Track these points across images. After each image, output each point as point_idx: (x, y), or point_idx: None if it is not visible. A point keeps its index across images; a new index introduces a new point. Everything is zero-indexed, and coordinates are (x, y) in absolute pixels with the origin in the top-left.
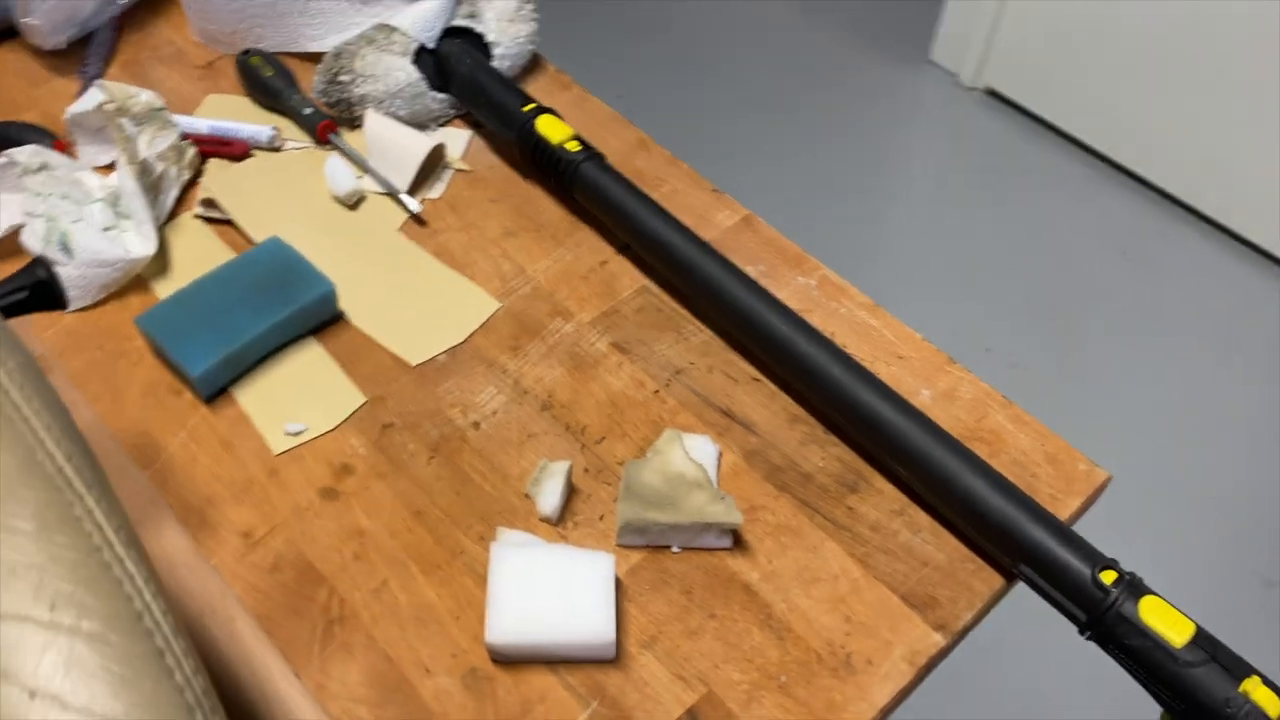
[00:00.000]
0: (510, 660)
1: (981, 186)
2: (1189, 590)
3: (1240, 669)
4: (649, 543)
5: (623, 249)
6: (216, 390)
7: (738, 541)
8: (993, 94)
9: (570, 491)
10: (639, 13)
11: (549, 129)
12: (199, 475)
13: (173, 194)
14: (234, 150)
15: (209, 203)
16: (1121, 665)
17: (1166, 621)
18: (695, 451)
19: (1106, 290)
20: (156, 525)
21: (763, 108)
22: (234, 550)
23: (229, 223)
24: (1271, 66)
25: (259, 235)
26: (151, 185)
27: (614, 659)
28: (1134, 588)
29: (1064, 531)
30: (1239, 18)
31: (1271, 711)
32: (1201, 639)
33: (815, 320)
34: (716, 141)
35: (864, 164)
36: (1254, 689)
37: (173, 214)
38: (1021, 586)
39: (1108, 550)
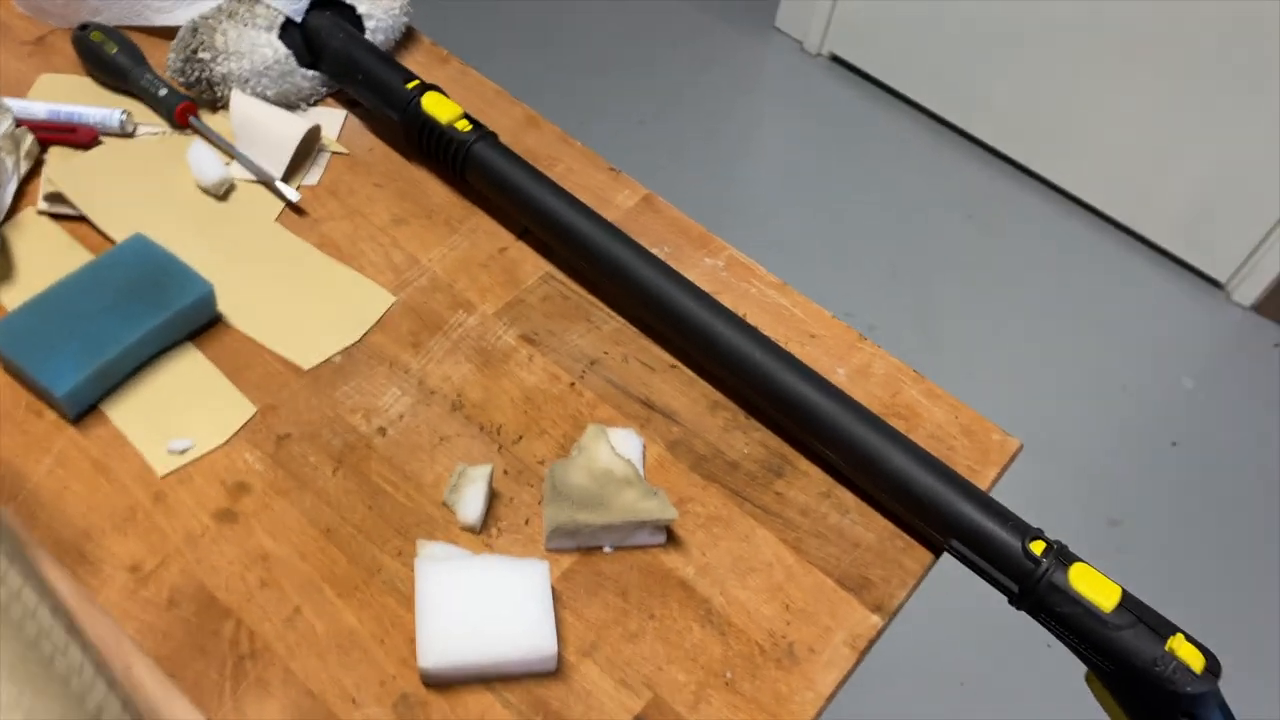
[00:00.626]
0: (445, 683)
1: (829, 153)
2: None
3: (1165, 628)
4: (580, 545)
5: (522, 234)
6: (85, 408)
7: (670, 537)
8: (837, 60)
9: (491, 497)
10: None
11: (436, 108)
12: (72, 506)
13: (10, 188)
14: (80, 137)
15: (55, 197)
16: (1051, 632)
17: (1094, 588)
18: (621, 446)
19: (954, 252)
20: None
21: (610, 73)
22: (122, 587)
23: (80, 219)
24: (1105, 34)
25: (118, 232)
26: None
27: (554, 671)
28: (1062, 556)
29: (991, 505)
30: None
31: (1195, 666)
32: (1128, 602)
33: (726, 302)
34: (563, 109)
35: (712, 131)
36: (1178, 646)
37: (12, 211)
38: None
39: None
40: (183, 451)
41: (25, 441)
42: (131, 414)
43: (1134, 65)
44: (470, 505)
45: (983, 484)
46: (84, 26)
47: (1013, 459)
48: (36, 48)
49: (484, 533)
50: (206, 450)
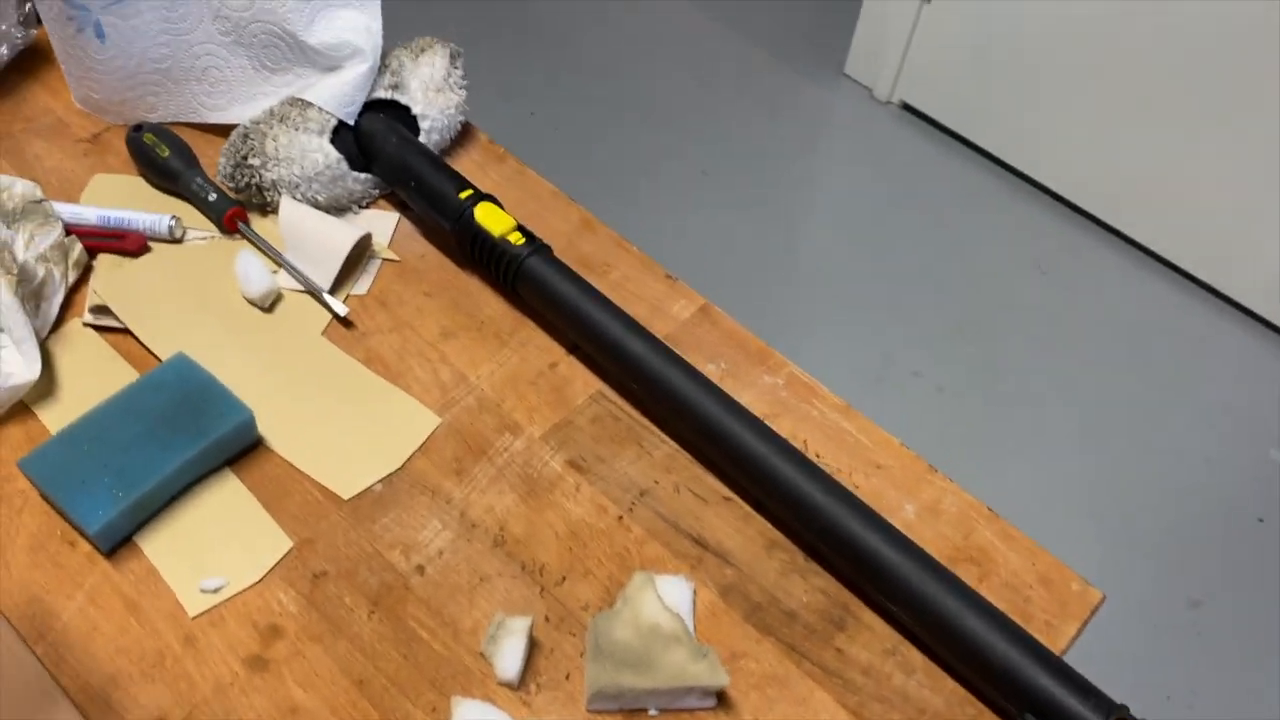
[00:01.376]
0: None
1: (897, 202)
2: (1117, 609)
3: None
4: (623, 707)
5: (573, 349)
6: (119, 541)
7: (721, 699)
8: (907, 108)
9: (531, 646)
10: (549, 25)
11: (489, 220)
12: (101, 648)
13: (57, 300)
14: (129, 244)
15: (101, 309)
16: None
17: None
18: (669, 596)
19: (1025, 308)
20: None
21: (674, 121)
22: None
23: (125, 331)
24: (1180, 86)
25: (160, 345)
26: (32, 294)
27: None
28: None
29: (1072, 677)
30: (1151, 36)
31: None
32: None
33: (785, 425)
34: (626, 157)
35: (777, 180)
36: None
37: (58, 323)
38: None
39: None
40: (215, 590)
41: (58, 575)
42: (165, 548)
43: (1219, 117)
44: (509, 660)
45: (1061, 640)
46: (139, 127)
47: (1094, 612)
48: (92, 146)
49: (522, 688)
50: (240, 589)
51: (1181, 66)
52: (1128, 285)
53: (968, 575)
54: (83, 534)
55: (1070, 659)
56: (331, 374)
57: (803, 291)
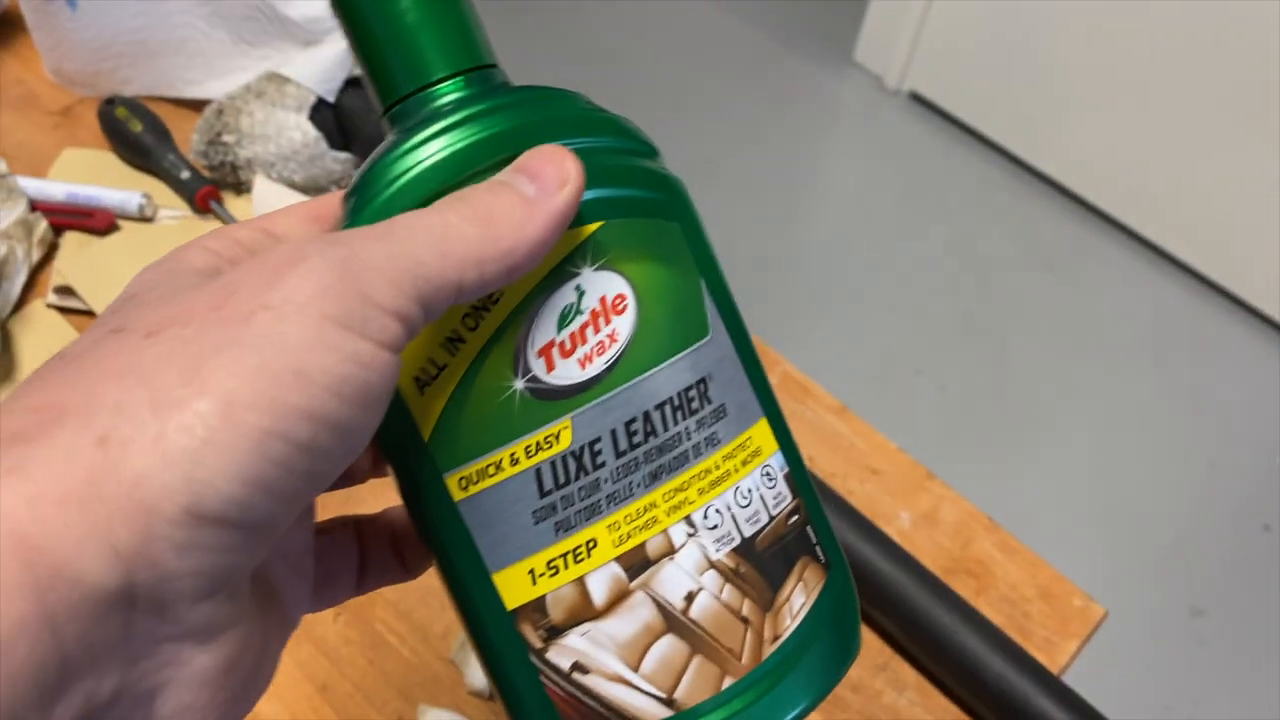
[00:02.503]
0: None
1: (903, 193)
2: (1117, 615)
3: None
4: None
5: None
6: None
7: None
8: (917, 98)
9: None
10: (553, 10)
11: None
12: None
13: (20, 280)
14: (96, 223)
15: (65, 290)
16: None
17: None
18: None
19: (1033, 306)
20: None
21: (678, 106)
22: None
23: (90, 313)
24: (1196, 83)
25: None
26: None
27: None
28: None
29: (1072, 700)
30: (1168, 31)
31: None
32: None
33: None
34: None
35: (783, 168)
36: None
37: (19, 303)
38: None
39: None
40: None
41: None
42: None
43: (1235, 116)
44: (479, 669)
45: (1061, 658)
46: (111, 100)
47: (1095, 629)
48: (63, 119)
49: (494, 698)
50: None
51: (1198, 63)
52: (1137, 284)
53: (965, 588)
54: None
55: (1070, 668)
56: None
57: (803, 283)
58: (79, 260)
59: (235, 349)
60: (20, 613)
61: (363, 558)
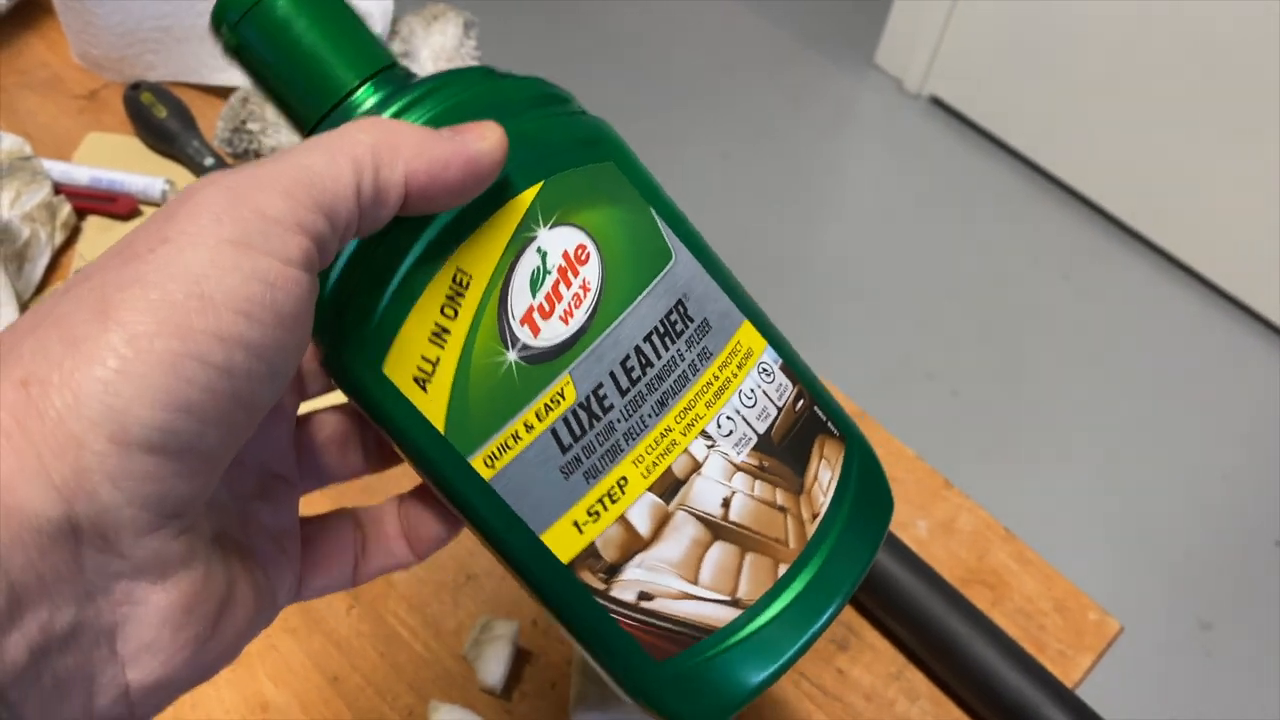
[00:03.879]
0: None
1: (921, 198)
2: (1125, 626)
3: None
4: None
5: None
6: None
7: None
8: (937, 102)
9: (516, 653)
10: (576, 5)
11: None
12: None
13: (42, 262)
14: (119, 208)
15: None
16: None
17: None
18: None
19: (1048, 314)
20: None
21: (696, 102)
22: None
23: None
24: (1218, 95)
25: None
26: (15, 254)
27: None
28: None
29: (1087, 715)
30: (1189, 42)
31: None
32: None
33: None
34: (645, 136)
35: (799, 168)
36: None
37: (41, 285)
38: None
39: None
40: None
41: None
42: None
43: (1256, 129)
44: (492, 665)
45: (1075, 672)
46: (136, 85)
47: (1111, 644)
48: (89, 103)
49: (505, 696)
50: None
51: (1219, 75)
52: (1153, 295)
53: (980, 598)
54: None
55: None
56: None
57: (817, 284)
58: (101, 244)
59: (137, 284)
60: None
61: (362, 546)
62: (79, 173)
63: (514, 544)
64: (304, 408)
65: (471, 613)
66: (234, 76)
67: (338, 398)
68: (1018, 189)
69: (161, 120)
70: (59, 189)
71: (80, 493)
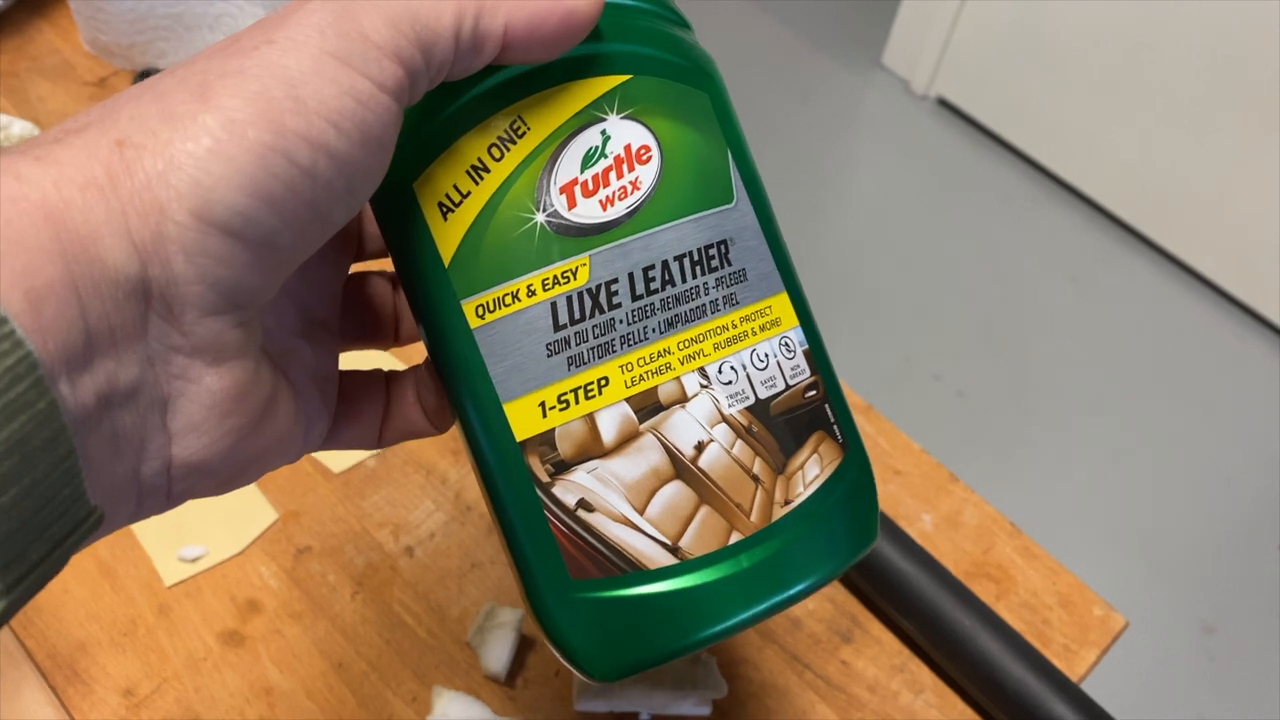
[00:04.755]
0: None
1: (929, 200)
2: (1131, 628)
3: None
4: (613, 709)
5: None
6: None
7: (717, 706)
8: (944, 104)
9: (521, 640)
10: None
11: None
12: (71, 614)
13: None
14: None
15: None
16: None
17: None
18: None
19: (1054, 316)
20: (11, 689)
21: None
22: (113, 714)
23: None
24: (1225, 97)
25: None
26: None
27: None
28: None
29: (1090, 708)
30: (1196, 44)
31: None
32: None
33: None
34: None
35: (805, 168)
36: None
37: None
38: None
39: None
40: (194, 559)
41: None
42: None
43: (1265, 130)
44: (495, 652)
45: (1080, 667)
46: (146, 73)
47: (1115, 639)
48: (98, 90)
49: (508, 683)
50: (220, 559)
51: (1227, 77)
52: (1159, 298)
53: (985, 592)
54: None
55: (1085, 683)
56: None
57: (824, 283)
58: None
59: (239, 75)
60: (49, 275)
61: (388, 408)
62: None
63: (474, 401)
64: (357, 268)
65: (476, 600)
66: None
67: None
68: (1024, 191)
69: None
70: None
71: (156, 257)
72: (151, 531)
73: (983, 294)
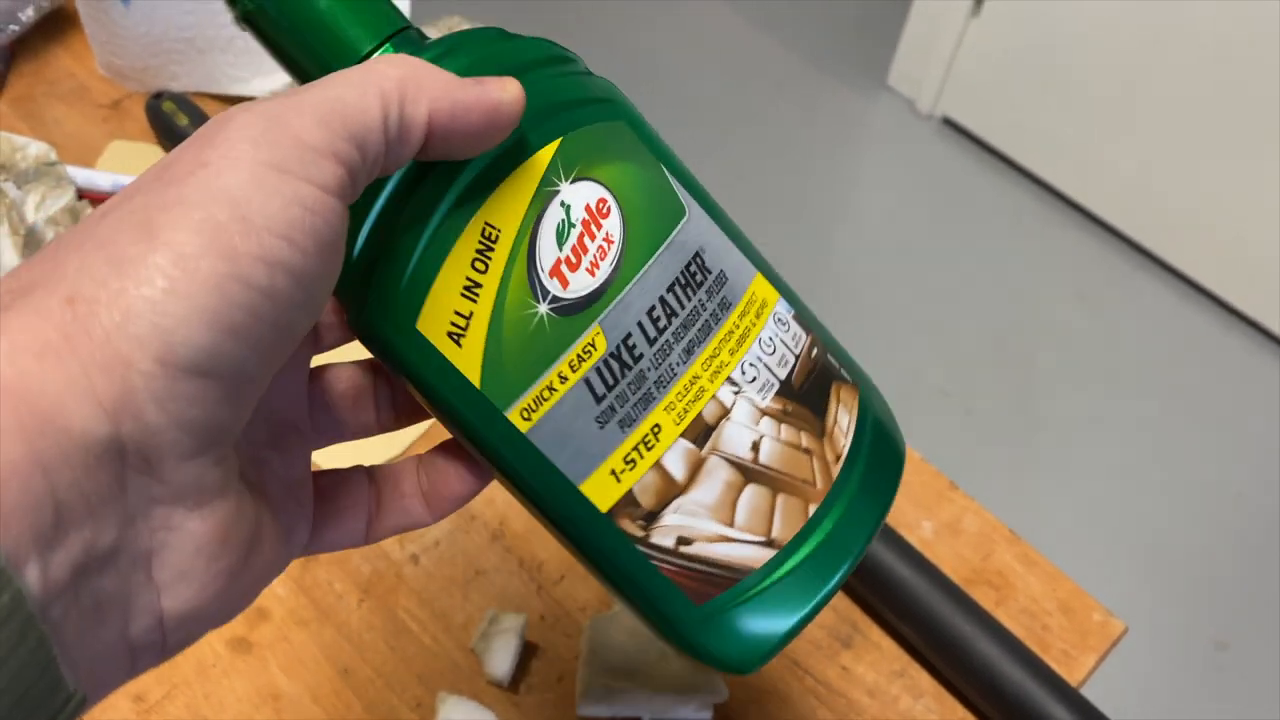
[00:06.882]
0: None
1: (935, 218)
2: (1139, 646)
3: None
4: (616, 714)
5: None
6: None
7: (718, 711)
8: (949, 123)
9: (524, 646)
10: (585, 22)
11: None
12: None
13: None
14: None
15: None
16: None
17: None
18: None
19: (1062, 334)
20: None
21: (709, 123)
22: (123, 719)
23: None
24: (1233, 114)
25: None
26: None
27: None
28: None
29: (1088, 711)
30: (1202, 62)
31: None
32: None
33: None
34: None
35: (812, 188)
36: None
37: None
38: None
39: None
40: None
41: None
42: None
43: (1272, 148)
44: (499, 658)
45: (1079, 672)
46: (159, 95)
47: (1114, 645)
48: (112, 112)
49: (512, 689)
50: None
51: (1234, 95)
52: (1168, 315)
53: (985, 599)
54: None
55: (1087, 694)
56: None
57: (832, 302)
58: None
59: (181, 205)
60: (11, 455)
61: (376, 505)
62: (101, 179)
63: (553, 496)
64: (318, 360)
65: (480, 606)
66: (254, 87)
67: (351, 352)
68: (1030, 209)
69: (183, 128)
70: (82, 194)
71: (127, 413)
72: None
73: (991, 311)
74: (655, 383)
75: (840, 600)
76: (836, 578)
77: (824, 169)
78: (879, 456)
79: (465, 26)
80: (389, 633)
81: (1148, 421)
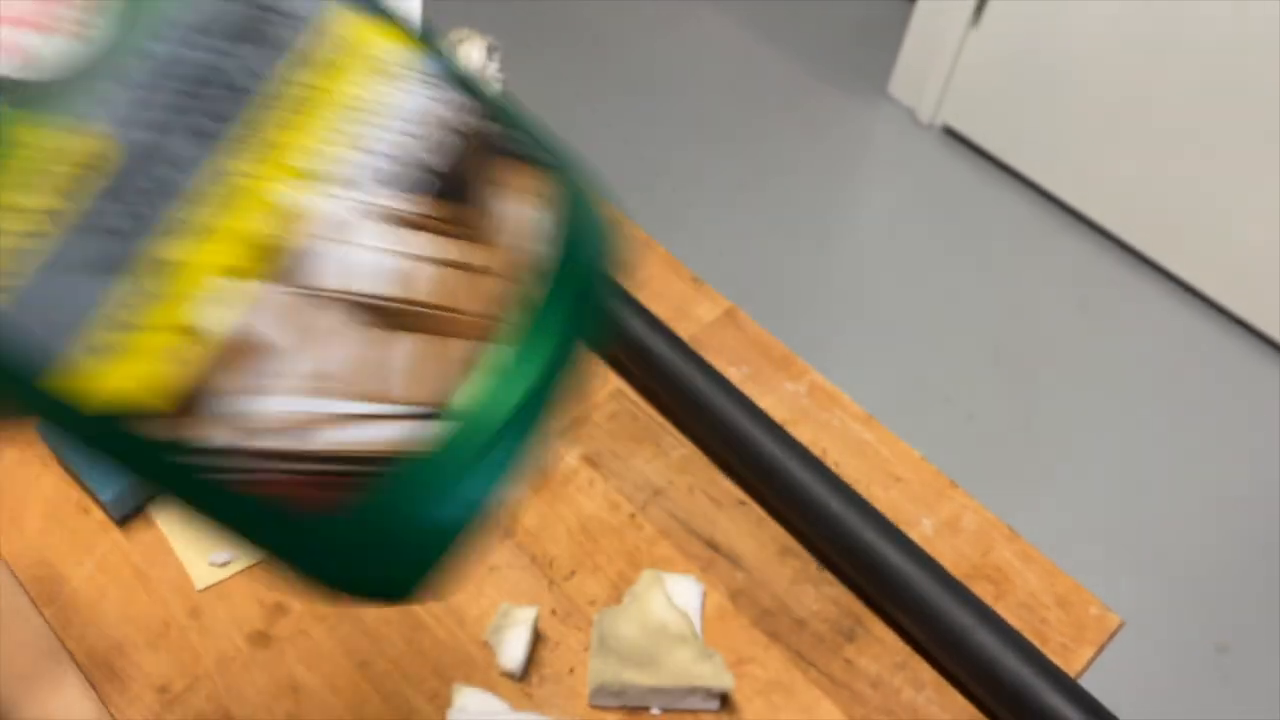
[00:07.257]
0: None
1: (937, 227)
2: (1140, 649)
3: None
4: (625, 704)
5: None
6: (131, 512)
7: (725, 702)
8: (950, 132)
9: (536, 639)
10: (588, 35)
11: None
12: (108, 614)
13: None
14: None
15: None
16: None
17: None
18: (678, 596)
19: (1064, 341)
20: (54, 685)
21: (710, 133)
22: (148, 710)
23: None
24: (1233, 122)
25: None
26: None
27: None
28: None
29: (1085, 699)
30: (1203, 70)
31: None
32: None
33: (804, 432)
34: (660, 166)
35: (814, 198)
36: None
37: None
38: None
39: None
40: (224, 564)
41: (71, 541)
42: (177, 519)
43: (1273, 155)
44: (512, 650)
45: (1077, 664)
46: None
47: (1111, 637)
48: None
49: (524, 680)
50: (249, 563)
51: (1234, 102)
52: (1170, 323)
53: (983, 593)
54: (96, 502)
55: (1085, 687)
56: None
57: (834, 312)
58: None
59: None
60: None
61: None
62: None
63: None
64: None
65: (493, 600)
66: None
67: None
68: (1032, 217)
69: None
70: None
71: None
72: (183, 538)
73: (993, 319)
74: (153, 192)
75: (843, 595)
76: (524, 438)
77: (825, 178)
78: (575, 266)
79: (474, 40)
80: (405, 626)
81: (1150, 427)
